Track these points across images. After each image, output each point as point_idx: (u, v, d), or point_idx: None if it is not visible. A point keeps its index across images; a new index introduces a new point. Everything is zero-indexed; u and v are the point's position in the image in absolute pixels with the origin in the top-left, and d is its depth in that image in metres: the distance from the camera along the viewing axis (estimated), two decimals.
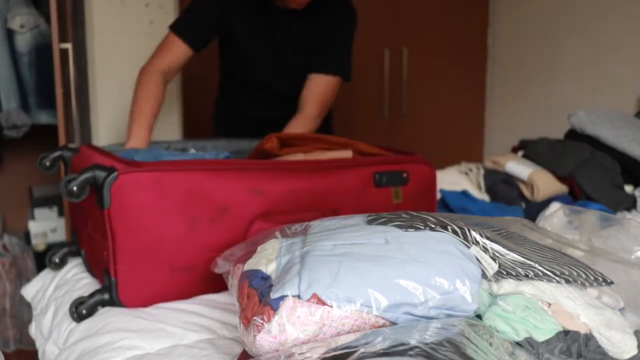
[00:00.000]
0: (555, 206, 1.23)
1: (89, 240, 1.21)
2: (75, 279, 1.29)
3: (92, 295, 1.10)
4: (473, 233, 0.77)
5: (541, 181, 1.67)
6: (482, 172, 1.79)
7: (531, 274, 0.72)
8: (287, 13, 1.71)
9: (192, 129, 2.51)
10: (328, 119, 1.92)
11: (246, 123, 1.88)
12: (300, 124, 1.65)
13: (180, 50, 1.67)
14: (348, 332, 0.66)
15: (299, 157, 1.30)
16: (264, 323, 0.67)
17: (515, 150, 1.91)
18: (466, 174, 1.81)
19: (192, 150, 1.40)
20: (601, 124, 1.80)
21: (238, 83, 1.88)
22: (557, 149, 1.77)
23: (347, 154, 1.35)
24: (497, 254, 0.75)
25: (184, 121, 2.52)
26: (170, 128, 2.36)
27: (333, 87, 1.73)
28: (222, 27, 1.73)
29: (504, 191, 1.72)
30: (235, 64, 1.84)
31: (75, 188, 1.04)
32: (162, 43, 1.69)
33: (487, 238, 0.77)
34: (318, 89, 1.71)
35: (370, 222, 0.84)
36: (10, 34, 2.14)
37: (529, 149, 1.81)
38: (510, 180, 1.74)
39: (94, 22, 2.19)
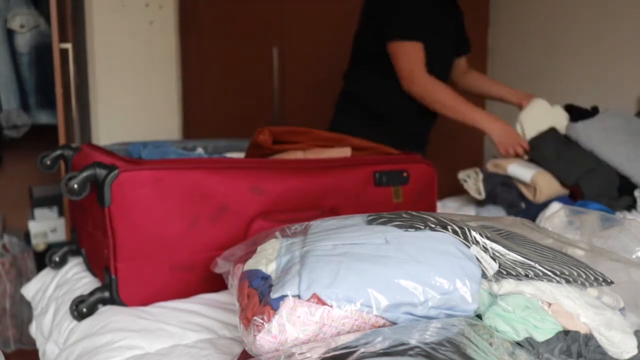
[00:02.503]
0: (555, 206, 1.23)
1: (90, 239, 1.21)
2: (75, 278, 1.29)
3: (92, 293, 1.10)
4: (473, 233, 0.77)
5: (543, 183, 1.67)
6: (480, 176, 1.79)
7: (531, 273, 0.72)
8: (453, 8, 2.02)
9: (192, 129, 2.51)
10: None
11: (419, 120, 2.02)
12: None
13: (422, 54, 1.82)
14: (348, 332, 0.66)
15: (298, 155, 1.30)
16: (264, 323, 0.67)
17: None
18: (465, 181, 1.81)
19: (200, 150, 1.40)
20: (596, 138, 1.79)
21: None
22: (565, 155, 1.76)
23: (345, 152, 1.35)
24: (497, 254, 0.75)
25: (184, 121, 2.52)
26: (170, 128, 2.36)
27: None
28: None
29: (504, 193, 1.72)
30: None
31: (76, 186, 1.04)
32: (410, 54, 1.81)
33: (487, 238, 0.77)
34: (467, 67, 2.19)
35: (370, 222, 0.84)
36: (10, 34, 2.14)
37: (536, 151, 1.80)
38: (509, 183, 1.74)
39: (94, 22, 2.20)
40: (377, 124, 1.94)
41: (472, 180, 1.80)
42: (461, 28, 2.12)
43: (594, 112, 1.98)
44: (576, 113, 1.95)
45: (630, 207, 1.72)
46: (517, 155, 1.80)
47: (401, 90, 1.86)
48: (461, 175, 1.84)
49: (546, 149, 1.82)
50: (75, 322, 1.09)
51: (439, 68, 1.94)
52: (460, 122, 1.82)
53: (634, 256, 0.91)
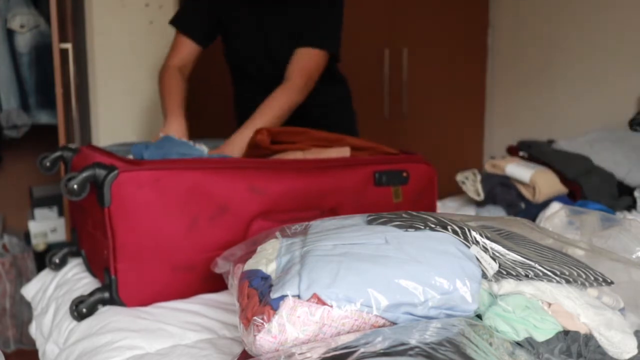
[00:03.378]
0: (556, 206, 1.23)
1: (89, 239, 1.21)
2: (75, 278, 1.29)
3: (92, 293, 1.10)
4: (473, 233, 0.77)
5: (543, 182, 1.67)
6: (478, 178, 1.79)
7: (531, 274, 0.72)
8: None
9: (192, 129, 2.50)
10: (352, 123, 2.00)
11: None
12: (285, 94, 1.59)
13: (188, 46, 1.75)
14: (348, 332, 0.66)
15: (298, 155, 1.30)
16: (264, 323, 0.67)
17: (512, 150, 1.91)
18: (463, 183, 1.82)
19: (203, 147, 1.40)
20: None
21: (241, 75, 1.91)
22: (564, 154, 1.79)
23: (345, 151, 1.35)
24: (497, 254, 0.75)
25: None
26: None
27: (318, 60, 1.69)
28: (215, 18, 1.77)
29: (503, 194, 1.73)
30: (233, 55, 1.88)
31: (75, 186, 1.04)
32: (173, 42, 1.77)
33: (487, 238, 0.77)
34: (303, 61, 1.67)
35: (370, 222, 0.84)
36: (10, 34, 2.14)
37: (534, 149, 1.81)
38: (507, 183, 1.74)
39: (94, 22, 2.19)
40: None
41: (470, 182, 1.80)
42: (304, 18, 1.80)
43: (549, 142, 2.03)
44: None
45: (630, 207, 1.72)
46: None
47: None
48: (459, 177, 1.84)
49: (543, 147, 1.82)
50: (75, 322, 1.09)
51: (253, 61, 1.84)
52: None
53: (634, 256, 0.91)
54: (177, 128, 1.54)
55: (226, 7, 1.75)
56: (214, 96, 2.86)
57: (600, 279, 0.75)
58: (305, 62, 1.68)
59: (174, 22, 1.78)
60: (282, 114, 1.55)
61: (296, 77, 1.64)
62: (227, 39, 1.83)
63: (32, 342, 1.38)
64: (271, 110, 1.54)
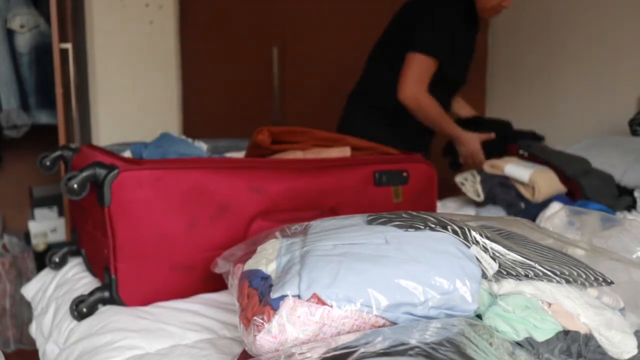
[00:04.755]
0: (556, 206, 1.23)
1: (89, 239, 1.21)
2: (75, 278, 1.29)
3: (92, 293, 1.10)
4: (473, 233, 0.77)
5: (542, 182, 1.67)
6: (478, 178, 1.79)
7: (531, 273, 0.72)
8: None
9: (192, 129, 2.51)
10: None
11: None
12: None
13: (433, 70, 1.93)
14: (348, 332, 0.66)
15: (298, 155, 1.30)
16: (264, 323, 0.67)
17: (512, 150, 1.91)
18: (462, 184, 1.82)
19: (202, 144, 1.40)
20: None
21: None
22: (563, 153, 1.80)
23: (345, 151, 1.35)
24: (497, 254, 0.75)
25: (184, 121, 2.52)
26: (170, 128, 2.36)
27: None
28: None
29: (503, 194, 1.73)
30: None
31: (75, 185, 1.04)
32: (424, 68, 1.91)
33: (487, 238, 0.77)
34: None
35: (370, 222, 0.84)
36: (10, 34, 2.14)
37: (533, 147, 1.82)
38: (506, 183, 1.74)
39: (94, 22, 2.20)
40: (384, 120, 2.03)
41: (470, 183, 1.80)
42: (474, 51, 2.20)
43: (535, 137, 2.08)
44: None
45: (630, 207, 1.72)
46: (474, 166, 1.98)
47: None
48: (458, 178, 1.85)
49: (544, 146, 1.83)
50: (75, 322, 1.09)
51: (451, 84, 2.08)
52: (438, 132, 2.06)
53: (634, 256, 0.91)
54: (470, 136, 1.96)
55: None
56: (214, 96, 2.86)
57: (600, 279, 0.75)
58: None
59: (432, 51, 1.91)
60: None
61: None
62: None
63: (32, 342, 1.38)
64: None
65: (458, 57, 2.02)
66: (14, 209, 2.58)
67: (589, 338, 0.69)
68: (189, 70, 2.62)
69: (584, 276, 0.74)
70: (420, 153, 1.55)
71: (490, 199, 1.75)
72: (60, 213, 2.42)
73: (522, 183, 1.72)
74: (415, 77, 1.90)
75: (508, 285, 0.72)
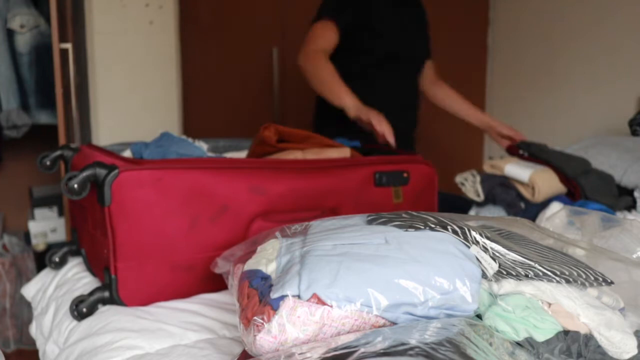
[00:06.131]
0: (556, 207, 1.23)
1: (89, 239, 1.21)
2: (75, 278, 1.29)
3: (92, 293, 1.10)
4: (473, 233, 0.77)
5: (542, 182, 1.67)
6: (478, 178, 1.79)
7: (531, 273, 0.72)
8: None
9: (191, 129, 2.51)
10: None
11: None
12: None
13: (332, 33, 1.82)
14: (348, 332, 0.66)
15: (297, 155, 1.30)
16: (264, 323, 0.67)
17: (512, 150, 1.92)
18: (462, 184, 1.81)
19: (202, 144, 1.40)
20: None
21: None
22: (563, 153, 1.79)
23: (345, 152, 1.35)
24: (497, 254, 0.75)
25: (184, 121, 2.52)
26: (170, 128, 2.36)
27: None
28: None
29: (503, 194, 1.73)
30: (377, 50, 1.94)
31: (76, 185, 1.04)
32: (314, 30, 1.83)
33: (487, 238, 0.77)
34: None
35: (370, 222, 0.84)
36: (10, 34, 2.14)
37: (533, 147, 1.82)
38: (506, 183, 1.74)
39: (94, 22, 2.20)
40: (349, 122, 1.82)
41: (470, 183, 1.80)
42: (423, 29, 2.12)
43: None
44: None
45: (630, 207, 1.72)
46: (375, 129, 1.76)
47: (366, 84, 1.90)
48: (458, 178, 1.84)
49: (544, 146, 1.83)
50: (75, 322, 1.09)
51: (398, 65, 1.98)
52: (328, 98, 1.79)
53: (634, 256, 0.91)
54: (354, 102, 1.67)
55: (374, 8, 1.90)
56: (214, 96, 2.86)
57: (601, 279, 0.75)
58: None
59: (321, 14, 1.85)
60: None
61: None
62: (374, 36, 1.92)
63: (32, 342, 1.38)
64: None
65: (382, 25, 1.92)
66: (14, 209, 2.58)
67: (589, 338, 0.69)
68: (189, 70, 2.62)
69: (584, 276, 0.74)
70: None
71: (490, 199, 1.75)
72: (60, 213, 2.42)
73: (522, 183, 1.72)
74: (306, 42, 1.82)
75: (508, 285, 0.72)
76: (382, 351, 0.56)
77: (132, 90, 2.31)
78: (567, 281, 0.73)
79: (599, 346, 0.69)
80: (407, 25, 2.03)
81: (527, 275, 0.72)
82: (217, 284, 1.13)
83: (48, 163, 1.27)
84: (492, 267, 0.73)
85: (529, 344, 0.66)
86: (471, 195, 1.78)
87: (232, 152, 1.61)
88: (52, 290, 1.32)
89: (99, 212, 1.08)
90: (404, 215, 0.84)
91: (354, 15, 1.87)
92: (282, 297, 0.68)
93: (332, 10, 1.86)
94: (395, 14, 1.98)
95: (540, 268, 0.73)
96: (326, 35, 1.82)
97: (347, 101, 1.69)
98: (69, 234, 1.78)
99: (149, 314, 1.07)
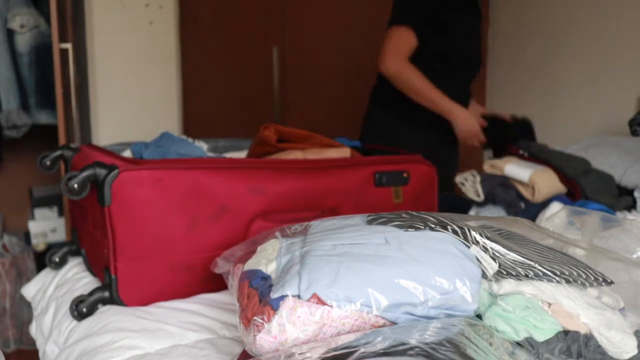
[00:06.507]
0: (556, 207, 1.23)
1: (89, 239, 1.21)
2: (75, 278, 1.29)
3: (92, 293, 1.10)
4: (473, 233, 0.77)
5: (542, 182, 1.67)
6: (478, 178, 1.79)
7: (531, 273, 0.72)
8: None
9: (191, 129, 2.51)
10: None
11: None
12: None
13: (411, 39, 1.87)
14: (348, 332, 0.66)
15: (297, 155, 1.30)
16: (264, 323, 0.67)
17: (512, 150, 1.92)
18: (462, 184, 1.81)
19: (202, 144, 1.40)
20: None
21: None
22: (563, 153, 1.79)
23: (345, 152, 1.35)
24: (497, 254, 0.75)
25: (184, 121, 2.52)
26: (170, 128, 2.36)
27: None
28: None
29: (503, 194, 1.73)
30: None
31: (76, 185, 1.04)
32: (398, 38, 1.87)
33: (487, 238, 0.77)
34: None
35: (370, 222, 0.84)
36: (10, 34, 2.14)
37: (533, 147, 1.82)
38: (506, 183, 1.74)
39: (94, 22, 2.20)
40: (407, 118, 1.98)
41: (470, 183, 1.80)
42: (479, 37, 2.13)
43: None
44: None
45: (630, 207, 1.72)
46: (474, 146, 1.92)
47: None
48: (458, 179, 1.84)
49: (544, 146, 1.83)
50: (75, 322, 1.09)
51: (454, 66, 1.98)
52: (430, 108, 1.90)
53: (634, 256, 0.91)
54: (465, 121, 1.86)
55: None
56: (214, 96, 2.86)
57: (601, 279, 0.75)
58: None
59: (401, 19, 1.88)
60: None
61: None
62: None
63: (32, 342, 1.38)
64: None
65: (451, 32, 1.94)
66: (14, 209, 2.58)
67: (589, 338, 0.69)
68: (189, 70, 2.62)
69: (584, 276, 0.74)
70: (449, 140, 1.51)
71: (490, 199, 1.75)
72: (60, 213, 2.42)
73: (522, 183, 1.72)
74: (391, 48, 1.86)
75: (508, 285, 0.72)
76: (382, 351, 0.56)
77: (132, 90, 2.31)
78: (567, 281, 0.73)
79: (599, 346, 0.69)
80: (477, 30, 2.07)
81: (527, 275, 0.72)
82: (217, 284, 1.13)
83: (48, 163, 1.27)
84: (492, 267, 0.73)
85: (529, 344, 0.66)
86: (471, 195, 1.78)
87: (232, 152, 1.61)
88: (52, 290, 1.32)
89: (99, 212, 1.08)
90: (404, 215, 0.84)
91: (427, 19, 1.89)
92: (282, 297, 0.68)
93: (405, 16, 1.89)
94: (462, 19, 2.00)
95: (540, 268, 0.73)
96: (408, 42, 1.87)
97: (457, 110, 1.86)
98: (69, 234, 1.78)
99: (149, 314, 1.07)
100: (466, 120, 1.89)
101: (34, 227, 2.38)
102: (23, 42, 2.15)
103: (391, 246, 0.74)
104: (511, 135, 1.97)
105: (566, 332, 0.68)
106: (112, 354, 0.94)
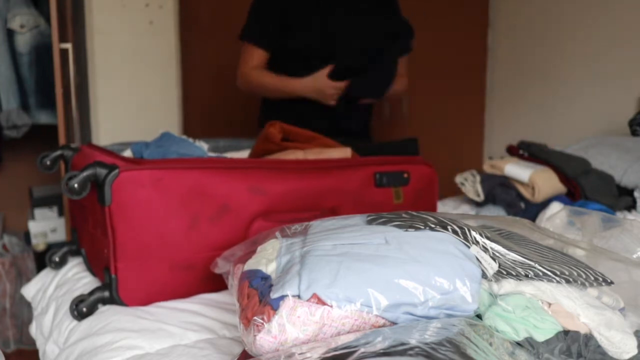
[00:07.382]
0: (556, 207, 1.23)
1: (90, 239, 1.21)
2: (75, 278, 1.29)
3: (92, 292, 1.10)
4: (473, 233, 0.77)
5: (542, 182, 1.67)
6: (478, 178, 1.79)
7: (531, 273, 0.72)
8: None
9: (191, 129, 2.51)
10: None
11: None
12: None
13: (260, 56, 1.94)
14: (348, 332, 0.66)
15: (298, 155, 1.30)
16: (264, 323, 0.67)
17: (512, 150, 1.92)
18: (462, 184, 1.82)
19: (203, 144, 1.40)
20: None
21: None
22: (563, 153, 1.80)
23: (345, 152, 1.35)
24: (497, 254, 0.75)
25: (184, 121, 2.52)
26: (170, 128, 2.36)
27: None
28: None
29: (503, 194, 1.73)
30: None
31: (76, 185, 1.04)
32: (244, 54, 1.96)
33: (487, 238, 0.77)
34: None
35: (370, 222, 0.84)
36: (10, 34, 2.14)
37: (533, 147, 1.82)
38: (506, 183, 1.74)
39: (94, 22, 2.20)
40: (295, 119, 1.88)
41: (470, 183, 1.80)
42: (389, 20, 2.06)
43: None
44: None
45: (630, 207, 1.72)
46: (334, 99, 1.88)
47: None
48: (458, 178, 1.84)
49: (544, 147, 1.83)
50: (75, 322, 1.09)
51: (325, 64, 1.89)
52: (286, 96, 1.92)
53: (634, 256, 0.91)
54: (306, 87, 1.85)
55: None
56: (214, 96, 2.86)
57: (601, 279, 0.75)
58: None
59: (243, 36, 1.97)
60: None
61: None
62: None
63: (32, 342, 1.38)
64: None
65: (301, 26, 1.91)
66: (14, 209, 2.58)
67: (589, 338, 0.69)
68: (189, 70, 2.62)
69: (584, 276, 0.74)
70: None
71: (490, 199, 1.75)
72: (60, 213, 2.42)
73: (522, 183, 1.72)
74: (240, 66, 1.96)
75: (508, 285, 0.72)
76: (382, 351, 0.56)
77: (132, 90, 2.31)
78: (567, 281, 0.73)
79: (599, 346, 0.69)
80: (355, 23, 2.02)
81: (527, 275, 0.72)
82: (217, 284, 1.13)
83: (48, 163, 1.27)
84: (492, 267, 0.73)
85: (529, 344, 0.66)
86: (471, 195, 1.78)
87: (232, 152, 1.61)
88: (52, 290, 1.32)
89: (99, 212, 1.08)
90: (404, 215, 0.84)
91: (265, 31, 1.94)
92: (282, 297, 0.68)
93: (247, 32, 1.97)
94: (312, 11, 1.97)
95: (540, 268, 0.73)
96: (254, 55, 1.94)
97: (300, 88, 1.85)
98: (69, 234, 1.78)
99: (149, 314, 1.07)
100: (314, 84, 1.85)
101: (34, 227, 2.38)
102: (23, 42, 2.15)
103: (391, 246, 0.74)
104: (357, 87, 1.91)
105: (566, 332, 0.68)
106: (112, 354, 0.94)
